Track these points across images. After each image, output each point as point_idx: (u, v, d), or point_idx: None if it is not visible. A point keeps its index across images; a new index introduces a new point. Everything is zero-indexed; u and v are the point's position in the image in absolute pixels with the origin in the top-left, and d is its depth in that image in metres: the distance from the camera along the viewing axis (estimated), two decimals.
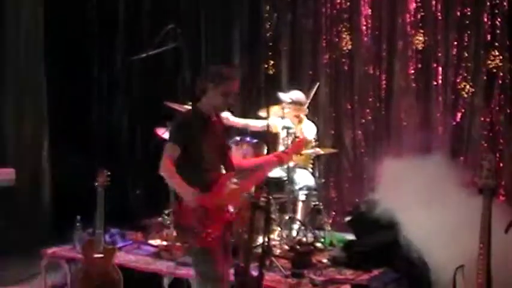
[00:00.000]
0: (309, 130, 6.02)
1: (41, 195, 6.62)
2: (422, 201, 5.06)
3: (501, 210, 3.84)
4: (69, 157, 6.71)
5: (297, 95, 5.93)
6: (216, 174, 3.82)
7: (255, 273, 4.35)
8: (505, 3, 5.77)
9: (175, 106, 6.05)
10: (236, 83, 3.82)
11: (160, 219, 6.38)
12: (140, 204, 7.20)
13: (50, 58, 6.81)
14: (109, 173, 5.15)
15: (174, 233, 5.83)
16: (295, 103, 5.85)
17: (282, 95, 5.82)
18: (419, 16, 6.28)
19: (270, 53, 7.16)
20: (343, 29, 6.75)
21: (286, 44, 7.11)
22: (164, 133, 5.99)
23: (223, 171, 3.92)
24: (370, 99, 6.59)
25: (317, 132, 6.06)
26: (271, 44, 7.16)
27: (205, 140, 3.77)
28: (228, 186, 3.81)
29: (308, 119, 6.11)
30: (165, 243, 5.93)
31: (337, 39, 6.79)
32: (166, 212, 6.29)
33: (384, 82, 6.54)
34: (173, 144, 3.73)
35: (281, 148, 5.75)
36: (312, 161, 6.09)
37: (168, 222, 6.12)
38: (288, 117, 5.80)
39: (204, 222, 3.66)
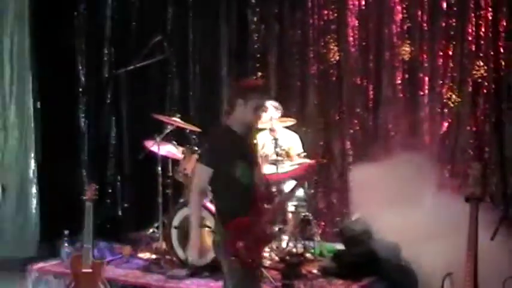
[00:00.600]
0: (294, 141, 6.08)
1: (28, 209, 6.58)
2: (410, 209, 5.10)
3: (487, 218, 3.85)
4: (57, 171, 6.69)
5: (275, 103, 6.00)
6: (253, 192, 3.72)
7: None
8: (489, 14, 5.84)
9: (163, 118, 6.05)
10: (265, 96, 3.75)
11: (149, 232, 6.37)
12: (129, 217, 7.19)
13: (36, 70, 6.80)
14: (97, 187, 5.12)
15: (164, 246, 5.83)
16: (278, 109, 5.92)
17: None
18: (405, 27, 6.33)
19: (258, 65, 7.17)
20: (331, 40, 6.78)
21: (274, 56, 7.13)
22: (153, 146, 5.99)
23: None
24: (358, 110, 6.62)
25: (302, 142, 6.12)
26: (259, 55, 7.18)
27: (239, 158, 3.69)
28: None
29: (293, 130, 6.16)
30: (154, 256, 5.92)
31: (324, 50, 6.81)
32: (155, 225, 6.27)
33: (372, 92, 6.56)
34: (204, 167, 3.70)
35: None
36: None
37: (157, 235, 6.11)
38: (275, 125, 5.86)
39: (250, 244, 3.62)
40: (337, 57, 6.75)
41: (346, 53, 6.70)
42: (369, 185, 5.30)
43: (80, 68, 7.28)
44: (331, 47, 6.78)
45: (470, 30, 5.93)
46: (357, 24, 6.65)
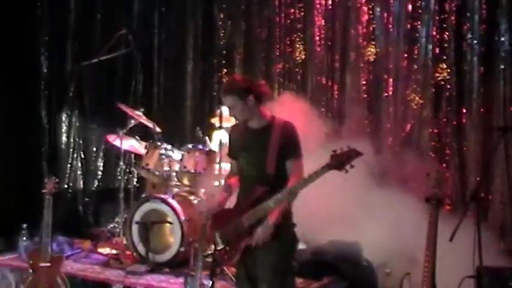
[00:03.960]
0: None
1: None
2: (371, 210, 5.15)
3: (446, 219, 3.91)
4: (16, 163, 6.57)
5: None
6: (248, 189, 3.64)
7: (206, 282, 4.34)
8: (452, 18, 5.93)
9: (127, 110, 5.99)
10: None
11: (109, 227, 6.30)
12: (89, 212, 7.10)
13: None
14: (57, 180, 5.04)
15: (124, 241, 5.77)
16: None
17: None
18: (371, 28, 6.39)
19: (224, 62, 7.16)
20: (297, 39, 6.80)
21: (240, 53, 7.12)
22: (115, 140, 5.92)
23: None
24: (322, 109, 6.64)
25: None
26: (224, 52, 7.16)
27: (242, 150, 3.72)
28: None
29: None
30: (114, 251, 5.86)
31: (290, 49, 6.84)
32: (116, 220, 6.21)
33: (336, 92, 6.61)
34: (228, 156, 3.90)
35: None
36: None
37: (118, 230, 6.04)
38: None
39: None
40: (303, 56, 6.78)
41: (312, 52, 6.73)
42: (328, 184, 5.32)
43: (43, 60, 7.14)
44: (297, 45, 6.81)
45: (434, 33, 6.02)
46: (323, 24, 6.68)
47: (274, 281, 3.56)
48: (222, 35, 7.21)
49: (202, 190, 5.89)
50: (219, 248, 3.70)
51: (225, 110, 5.71)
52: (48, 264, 4.85)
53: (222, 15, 7.19)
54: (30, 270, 4.91)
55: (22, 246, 5.59)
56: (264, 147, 3.57)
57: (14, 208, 6.26)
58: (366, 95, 6.43)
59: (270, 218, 3.49)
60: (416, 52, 6.13)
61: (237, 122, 3.84)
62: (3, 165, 6.46)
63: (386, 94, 6.30)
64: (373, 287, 4.96)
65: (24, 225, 5.65)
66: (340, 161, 3.34)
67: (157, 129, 6.06)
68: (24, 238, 5.63)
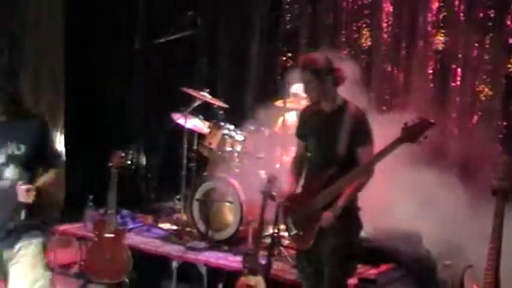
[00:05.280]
0: None
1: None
2: (433, 200, 5.08)
3: None
4: (86, 137, 6.76)
5: (296, 88, 5.86)
6: (316, 173, 3.65)
7: (263, 261, 4.39)
8: None
9: (192, 92, 6.07)
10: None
11: (171, 204, 6.43)
12: (152, 188, 7.26)
13: (69, 38, 6.86)
14: (123, 155, 5.18)
15: (185, 217, 5.88)
16: (295, 96, 5.83)
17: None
18: (441, 16, 6.24)
19: (289, 45, 7.14)
20: (364, 25, 6.72)
21: (305, 37, 7.08)
22: (179, 118, 6.02)
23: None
24: (387, 97, 6.56)
25: None
26: (290, 36, 7.14)
27: (312, 133, 3.71)
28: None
29: None
30: (174, 227, 5.98)
31: (356, 35, 6.76)
32: (177, 197, 6.33)
33: (402, 80, 6.50)
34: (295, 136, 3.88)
35: None
36: None
37: (179, 207, 6.16)
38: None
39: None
40: (369, 43, 6.69)
41: (379, 39, 6.62)
42: (391, 175, 5.27)
43: (114, 38, 7.29)
44: (364, 32, 6.71)
45: (508, 23, 5.82)
46: (391, 11, 6.57)
47: (338, 265, 3.55)
48: (288, 18, 7.18)
49: (263, 171, 5.94)
50: (292, 234, 3.71)
51: (294, 88, 5.78)
52: (112, 235, 5.02)
53: None
54: (95, 240, 5.09)
55: (88, 217, 5.77)
56: (334, 131, 3.54)
57: (82, 180, 6.47)
58: (432, 85, 6.30)
59: (340, 200, 3.48)
60: (487, 42, 5.96)
61: (309, 103, 3.81)
62: (74, 139, 6.66)
63: (453, 84, 6.16)
64: (432, 278, 4.90)
65: (91, 197, 5.84)
66: (412, 133, 3.29)
67: (224, 105, 6.13)
68: (90, 209, 5.82)
